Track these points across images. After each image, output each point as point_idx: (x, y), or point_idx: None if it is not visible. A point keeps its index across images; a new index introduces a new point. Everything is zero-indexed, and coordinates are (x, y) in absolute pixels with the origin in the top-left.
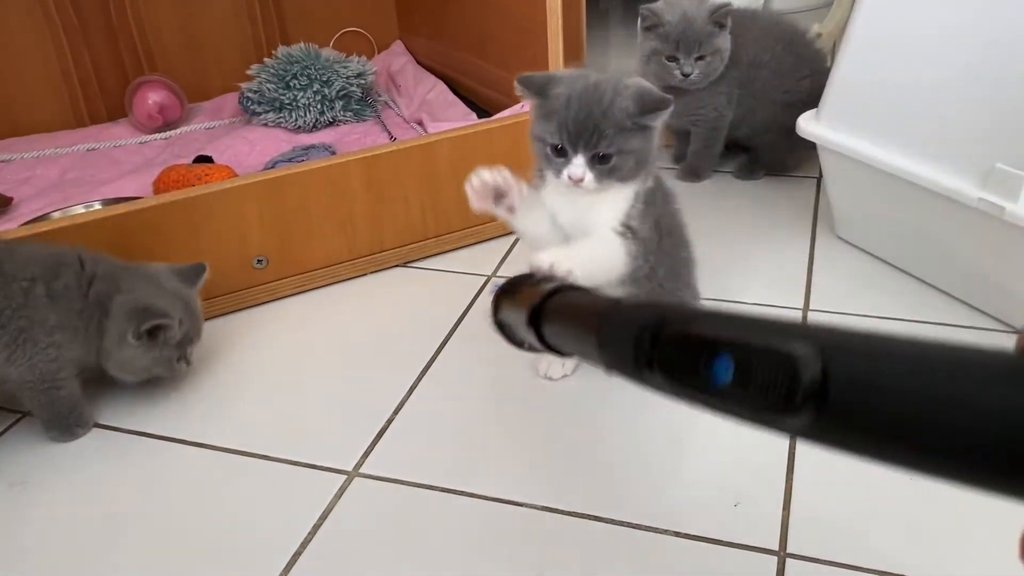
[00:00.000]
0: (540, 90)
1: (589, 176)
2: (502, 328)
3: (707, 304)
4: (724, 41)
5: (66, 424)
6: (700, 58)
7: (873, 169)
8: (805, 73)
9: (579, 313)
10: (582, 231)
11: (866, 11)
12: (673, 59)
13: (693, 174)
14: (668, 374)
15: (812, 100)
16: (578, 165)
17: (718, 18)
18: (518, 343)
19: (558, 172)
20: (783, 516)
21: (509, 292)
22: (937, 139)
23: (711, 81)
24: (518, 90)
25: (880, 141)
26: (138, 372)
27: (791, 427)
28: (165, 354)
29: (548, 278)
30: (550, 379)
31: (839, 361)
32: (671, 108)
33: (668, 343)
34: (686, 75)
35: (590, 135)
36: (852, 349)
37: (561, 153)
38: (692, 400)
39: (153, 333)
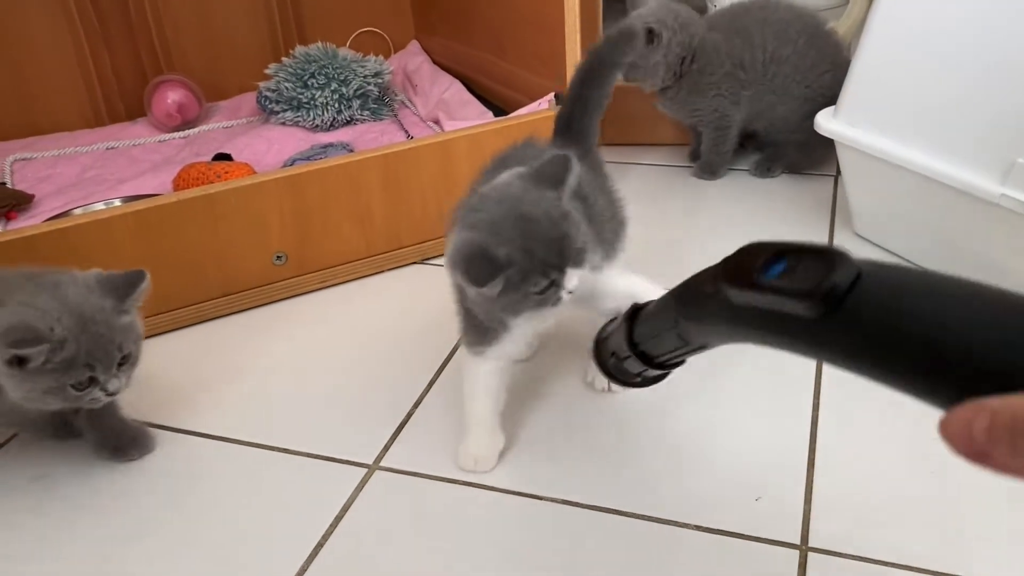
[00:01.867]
0: (500, 266)
1: (578, 278)
2: (610, 375)
3: None
4: (654, 55)
5: (110, 448)
6: (633, 66)
7: (892, 166)
8: (827, 67)
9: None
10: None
11: (885, 7)
12: None
13: (708, 171)
14: (730, 281)
15: (834, 95)
16: (572, 276)
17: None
18: (623, 381)
19: (555, 300)
20: (804, 510)
21: (601, 341)
22: (957, 135)
23: (698, 85)
24: (461, 279)
25: (899, 137)
26: (30, 399)
27: (800, 311)
28: (45, 383)
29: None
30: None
31: (872, 279)
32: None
33: (740, 255)
34: (626, 79)
35: (570, 250)
36: (888, 276)
37: (544, 285)
38: (740, 301)
39: (22, 359)
